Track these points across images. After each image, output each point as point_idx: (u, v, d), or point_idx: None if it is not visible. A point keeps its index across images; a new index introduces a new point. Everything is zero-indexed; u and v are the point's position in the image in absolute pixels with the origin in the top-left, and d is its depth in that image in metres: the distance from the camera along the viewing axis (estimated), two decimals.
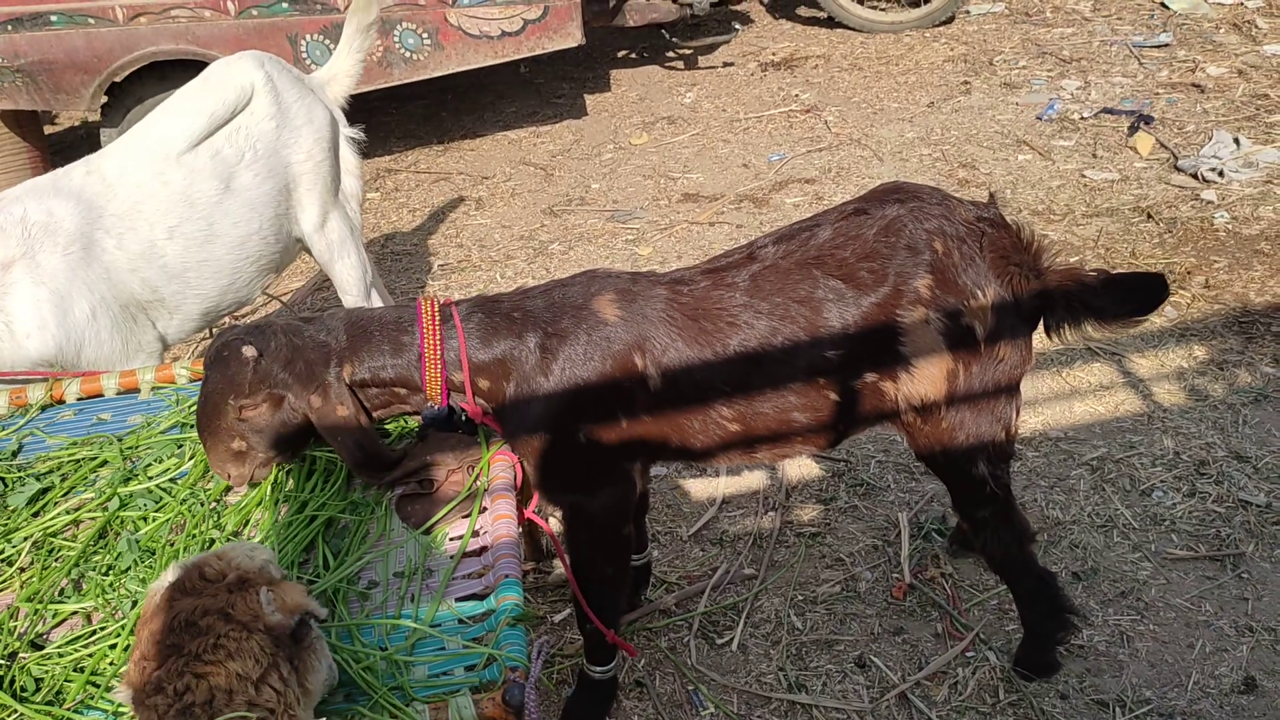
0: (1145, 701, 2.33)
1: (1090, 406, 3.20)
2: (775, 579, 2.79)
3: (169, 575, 1.56)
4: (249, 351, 1.96)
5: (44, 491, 2.17)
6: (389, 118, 6.15)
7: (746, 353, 2.02)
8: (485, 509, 2.02)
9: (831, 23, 6.68)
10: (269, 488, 2.08)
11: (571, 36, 5.00)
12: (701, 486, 3.14)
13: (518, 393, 2.01)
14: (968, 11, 6.62)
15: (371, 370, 1.98)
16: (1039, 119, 5.05)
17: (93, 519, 2.08)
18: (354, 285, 3.09)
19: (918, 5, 6.56)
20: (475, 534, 1.98)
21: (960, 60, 5.93)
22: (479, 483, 2.07)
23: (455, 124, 5.99)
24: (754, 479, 3.13)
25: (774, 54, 6.43)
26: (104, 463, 2.23)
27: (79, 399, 2.47)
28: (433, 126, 5.99)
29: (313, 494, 2.07)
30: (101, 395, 2.48)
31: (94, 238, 2.55)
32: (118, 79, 4.78)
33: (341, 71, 3.12)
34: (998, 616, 2.58)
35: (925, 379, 2.07)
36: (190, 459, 2.21)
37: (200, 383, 2.03)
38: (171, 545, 2.00)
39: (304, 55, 4.85)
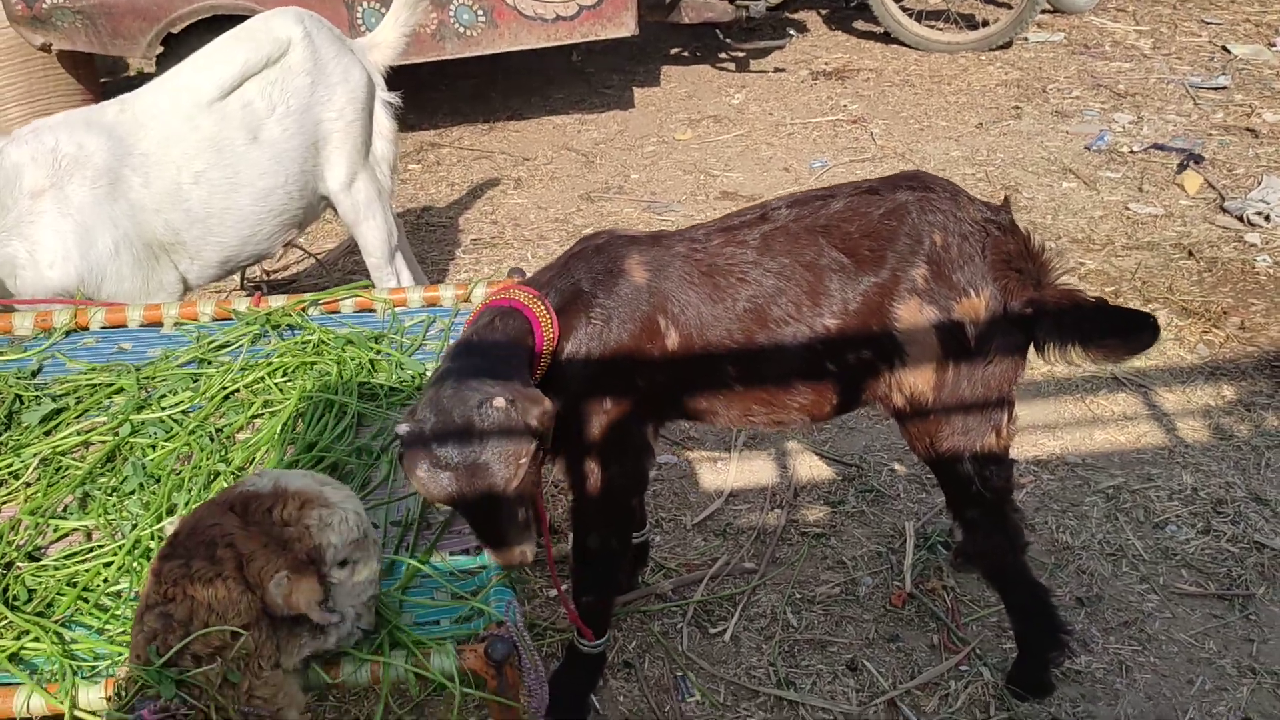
0: None
1: (1111, 435, 3.15)
2: (775, 575, 2.77)
3: (255, 483, 1.55)
4: (500, 401, 1.76)
5: (58, 412, 2.20)
6: (438, 93, 6.18)
7: (753, 309, 2.05)
8: None
9: (887, 38, 6.64)
10: (279, 428, 2.09)
11: (625, 26, 5.01)
12: (711, 477, 3.12)
13: (570, 356, 2.01)
14: (1026, 39, 6.56)
15: (529, 369, 1.93)
16: (1087, 149, 5.00)
17: (103, 442, 2.10)
18: (378, 248, 3.10)
19: (976, 28, 6.52)
20: None
21: (1014, 85, 5.88)
22: None
23: (502, 104, 6.01)
24: (763, 474, 3.11)
25: (826, 64, 6.40)
26: (120, 390, 2.25)
27: (103, 327, 2.50)
28: (480, 105, 6.01)
29: (321, 436, 2.08)
30: (125, 326, 2.50)
31: (121, 174, 2.57)
32: (175, 30, 4.82)
33: (385, 41, 3.14)
34: (996, 634, 2.54)
35: (916, 368, 2.07)
36: (204, 394, 2.22)
37: (458, 472, 1.73)
38: (176, 474, 2.01)
39: (359, 21, 4.88)
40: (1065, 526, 2.84)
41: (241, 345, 2.39)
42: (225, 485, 1.96)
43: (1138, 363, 3.44)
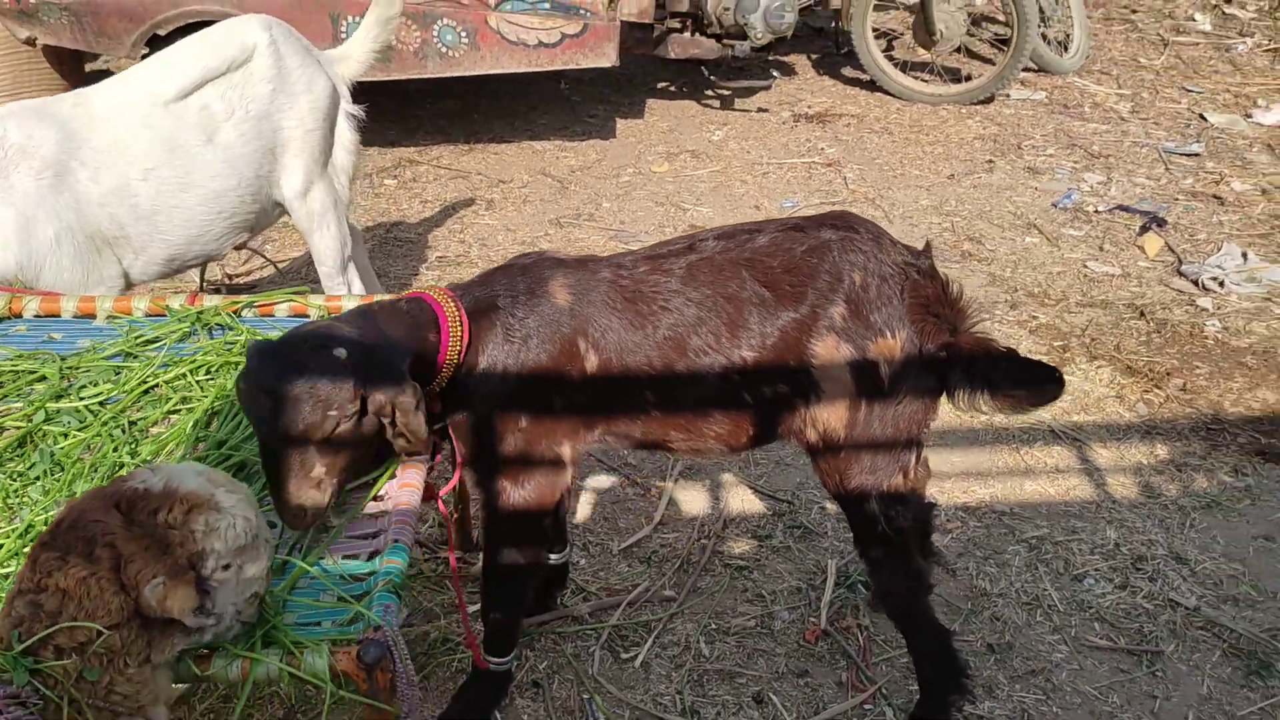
0: None
1: (1041, 486, 3.18)
2: (694, 604, 2.78)
3: (148, 479, 1.56)
4: (340, 352, 1.81)
5: None
6: (423, 110, 6.25)
7: (674, 337, 2.09)
8: (395, 476, 2.04)
9: (872, 86, 6.73)
10: (190, 425, 2.11)
11: (606, 57, 5.08)
12: (642, 504, 3.14)
13: (478, 373, 2.04)
14: (1008, 95, 6.65)
15: (414, 361, 1.95)
16: (1054, 205, 5.06)
17: (16, 428, 2.12)
18: (330, 257, 3.13)
19: (959, 81, 6.61)
20: (378, 498, 2.00)
21: (990, 139, 5.95)
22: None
23: (485, 126, 6.08)
24: (695, 504, 3.13)
25: (809, 107, 6.49)
26: (42, 378, 2.27)
27: (36, 315, 2.52)
28: (462, 125, 6.07)
29: (232, 435, 2.10)
30: (58, 316, 2.53)
31: (69, 167, 2.60)
32: (160, 32, 4.88)
33: (354, 55, 3.19)
34: (904, 674, 2.55)
35: (830, 405, 2.10)
36: (124, 387, 2.24)
37: (262, 402, 1.80)
38: (89, 461, 2.03)
39: (343, 34, 4.94)
40: (985, 573, 2.86)
41: (168, 342, 2.41)
42: None
43: (1075, 417, 3.47)
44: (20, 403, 2.18)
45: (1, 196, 2.51)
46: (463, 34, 4.97)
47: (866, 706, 2.49)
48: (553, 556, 2.66)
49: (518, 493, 2.15)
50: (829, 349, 2.07)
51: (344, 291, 3.22)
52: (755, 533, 3.02)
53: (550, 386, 2.09)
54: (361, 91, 4.81)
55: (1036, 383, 2.13)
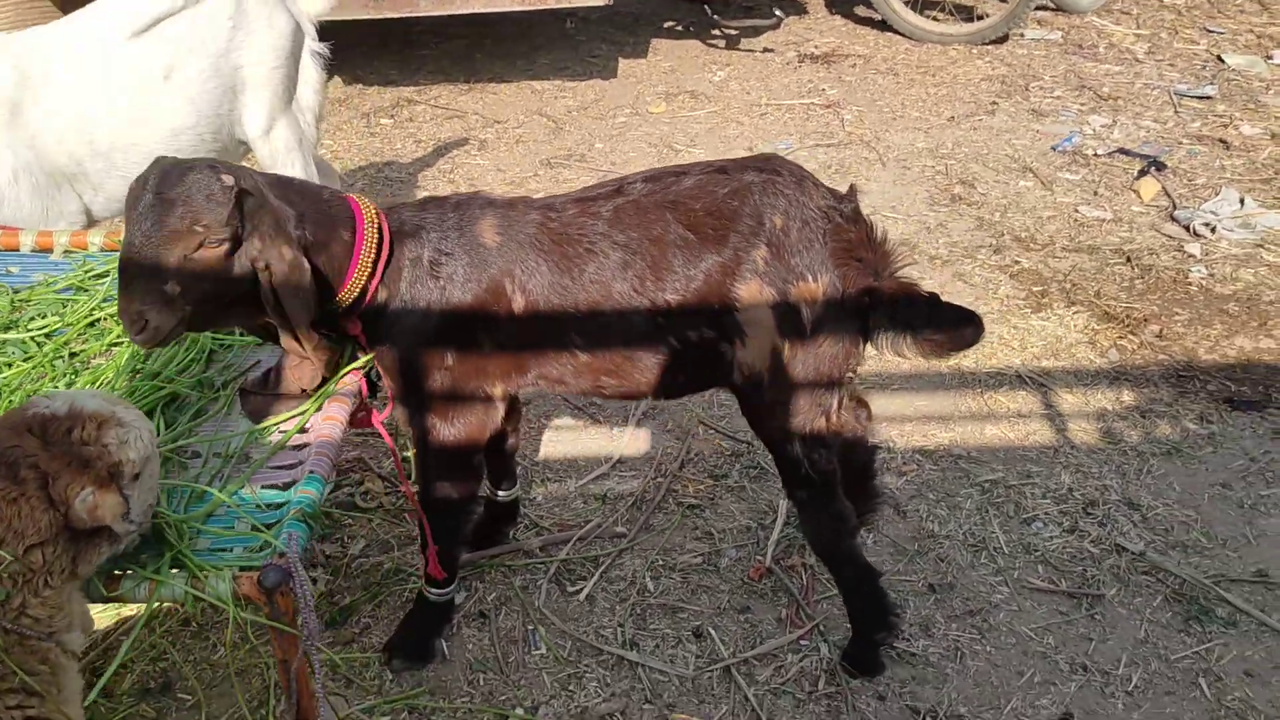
0: (958, 717, 2.33)
1: (1001, 431, 3.18)
2: (644, 542, 2.83)
3: (52, 404, 1.62)
4: (228, 179, 1.82)
5: None
6: (426, 50, 6.23)
7: (599, 281, 2.10)
8: (320, 410, 2.09)
9: (883, 25, 6.61)
10: (125, 357, 2.17)
11: None
12: (602, 443, 3.18)
13: (399, 305, 2.07)
14: (1022, 34, 6.51)
15: (315, 249, 1.95)
16: (1053, 149, 4.97)
17: None
18: None
19: (973, 20, 6.47)
20: (302, 431, 2.05)
21: (998, 80, 5.84)
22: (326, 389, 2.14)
23: (486, 66, 6.05)
24: (654, 444, 3.16)
25: (816, 47, 6.39)
26: None
27: None
28: (464, 65, 6.06)
29: (166, 368, 2.15)
30: (17, 250, 2.59)
31: (23, 104, 2.65)
32: None
33: None
34: (844, 614, 2.59)
35: (754, 349, 2.11)
36: (69, 320, 2.30)
37: (141, 198, 1.80)
38: (28, 390, 2.09)
39: None
40: (935, 516, 2.88)
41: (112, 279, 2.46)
42: None
43: (1044, 362, 3.45)
44: None
45: None
46: None
47: (803, 642, 2.53)
48: (501, 493, 2.72)
49: (447, 429, 2.19)
50: (752, 292, 2.07)
51: None
52: (712, 473, 3.06)
53: (476, 326, 2.11)
54: (363, 31, 4.85)
55: (956, 326, 2.13)
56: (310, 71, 3.14)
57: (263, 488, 1.91)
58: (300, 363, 2.10)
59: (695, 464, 3.10)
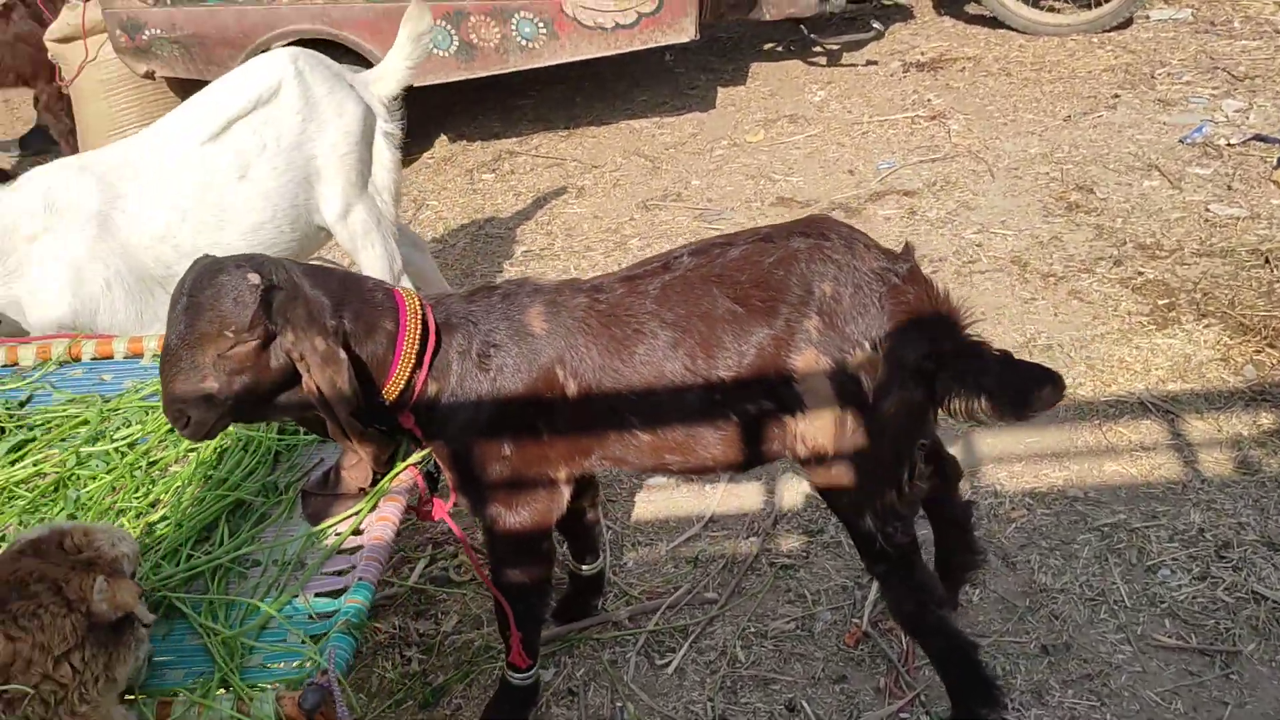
0: None
1: (1122, 467, 2.94)
2: (735, 607, 2.74)
3: (32, 533, 1.70)
4: (254, 279, 1.84)
5: (29, 442, 2.41)
6: (526, 100, 6.31)
7: (650, 361, 2.05)
8: (376, 508, 2.09)
9: (995, 22, 6.32)
10: (194, 467, 2.23)
11: (685, 31, 4.98)
12: (694, 503, 3.10)
13: (450, 399, 2.07)
14: (1147, 16, 6.10)
15: (356, 341, 1.96)
16: (1181, 142, 4.62)
17: (54, 473, 2.29)
18: (379, 273, 3.22)
19: (1091, 6, 6.11)
20: (357, 533, 2.06)
21: (1120, 70, 5.49)
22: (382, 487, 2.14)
23: (585, 110, 6.08)
24: (747, 501, 3.06)
25: (922, 53, 6.15)
26: (85, 421, 2.45)
27: (92, 359, 2.71)
28: (564, 111, 6.10)
29: (232, 473, 2.20)
30: (112, 357, 2.71)
31: (111, 216, 2.78)
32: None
33: (389, 73, 3.25)
34: None
35: (816, 422, 2.02)
36: (150, 430, 2.38)
37: (174, 318, 1.87)
38: (107, 503, 2.18)
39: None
40: (1048, 567, 2.68)
41: None
42: (135, 521, 2.11)
43: (1171, 385, 3.18)
44: (58, 449, 2.36)
45: (52, 251, 2.72)
46: (540, 25, 4.98)
47: (903, 715, 2.39)
48: (585, 568, 2.68)
49: (513, 517, 2.18)
50: (808, 363, 1.98)
51: None
52: (807, 528, 2.94)
53: (532, 414, 2.09)
54: (463, 87, 4.96)
55: (1033, 387, 1.99)
56: (383, 152, 3.20)
57: (316, 596, 1.92)
58: (357, 461, 2.11)
59: (789, 519, 2.98)
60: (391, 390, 2.05)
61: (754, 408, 2.05)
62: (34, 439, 2.41)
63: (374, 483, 2.12)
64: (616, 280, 2.13)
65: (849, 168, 4.93)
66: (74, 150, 5.68)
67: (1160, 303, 3.57)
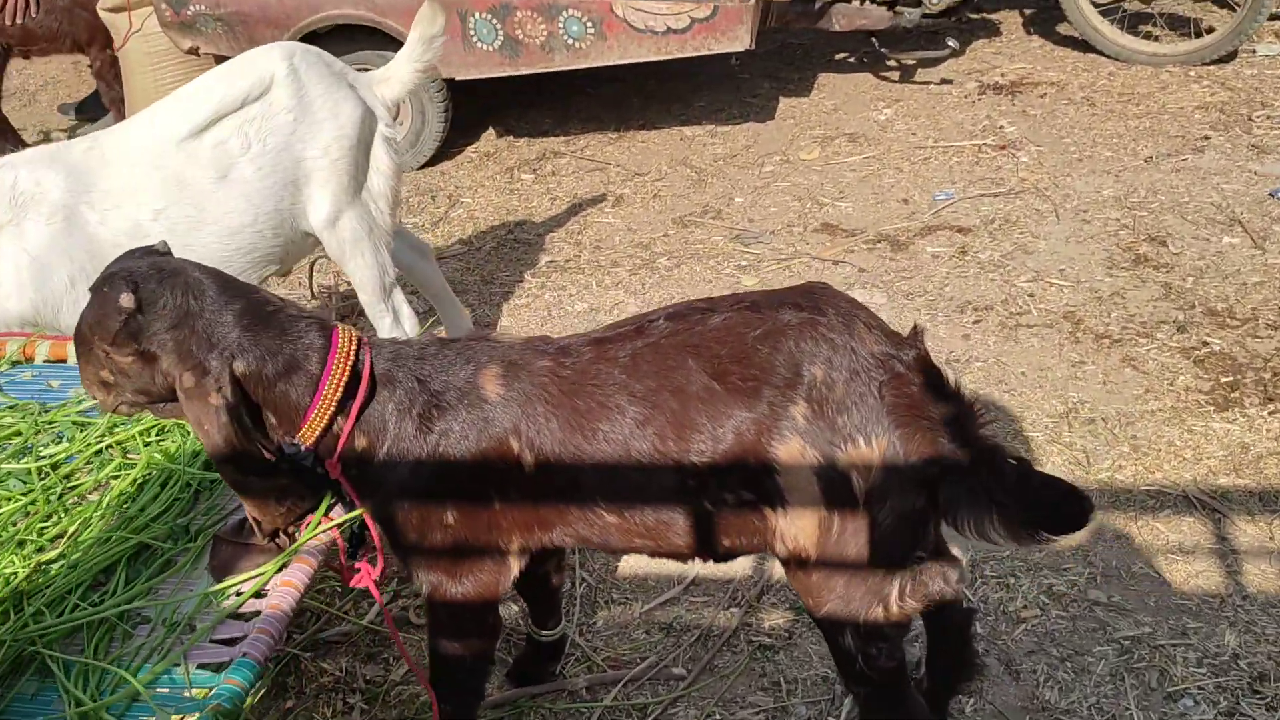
0: None
1: (1154, 570, 2.62)
2: (702, 687, 2.50)
3: None
4: (126, 301, 1.75)
5: None
6: (581, 96, 6.09)
7: (615, 439, 1.82)
8: (285, 568, 1.90)
9: (1086, 46, 5.91)
10: (109, 498, 2.06)
11: (739, 40, 4.71)
12: (677, 564, 2.85)
13: (387, 458, 1.87)
14: (1253, 50, 5.65)
15: (260, 380, 1.82)
16: (1272, 195, 4.22)
17: None
18: (368, 285, 3.04)
19: (1193, 37, 5.67)
20: (260, 595, 1.87)
21: (1215, 109, 5.07)
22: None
23: (640, 111, 5.84)
24: (735, 565, 2.80)
25: (1002, 74, 5.79)
26: (17, 432, 2.30)
27: (45, 361, 2.58)
28: (617, 112, 5.87)
29: (144, 510, 2.03)
30: (65, 360, 2.57)
31: (78, 210, 2.64)
32: (308, 33, 4.98)
33: (397, 77, 3.06)
34: None
35: (798, 521, 1.78)
36: (78, 449, 2.23)
37: (88, 303, 1.84)
38: (9, 532, 2.02)
39: (471, 33, 4.87)
40: (1057, 680, 2.39)
41: None
42: (31, 556, 1.95)
43: (1222, 479, 2.85)
44: None
45: (14, 243, 2.58)
46: (589, 24, 4.76)
47: None
48: (545, 633, 2.46)
49: (454, 587, 1.97)
50: (792, 454, 1.74)
51: (389, 319, 3.13)
52: (794, 603, 2.68)
53: (481, 483, 1.89)
54: (518, 78, 4.80)
55: (1058, 509, 1.72)
56: (382, 158, 3.01)
57: (198, 667, 1.74)
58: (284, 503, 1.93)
59: (776, 591, 2.73)
60: (307, 435, 1.86)
61: (731, 497, 1.81)
62: None
63: (291, 538, 1.93)
64: (585, 343, 1.90)
65: (904, 196, 4.62)
66: (123, 118, 5.64)
67: (1223, 380, 3.21)
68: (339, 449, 1.87)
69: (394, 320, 3.15)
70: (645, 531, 1.89)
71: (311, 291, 4.16)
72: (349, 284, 4.09)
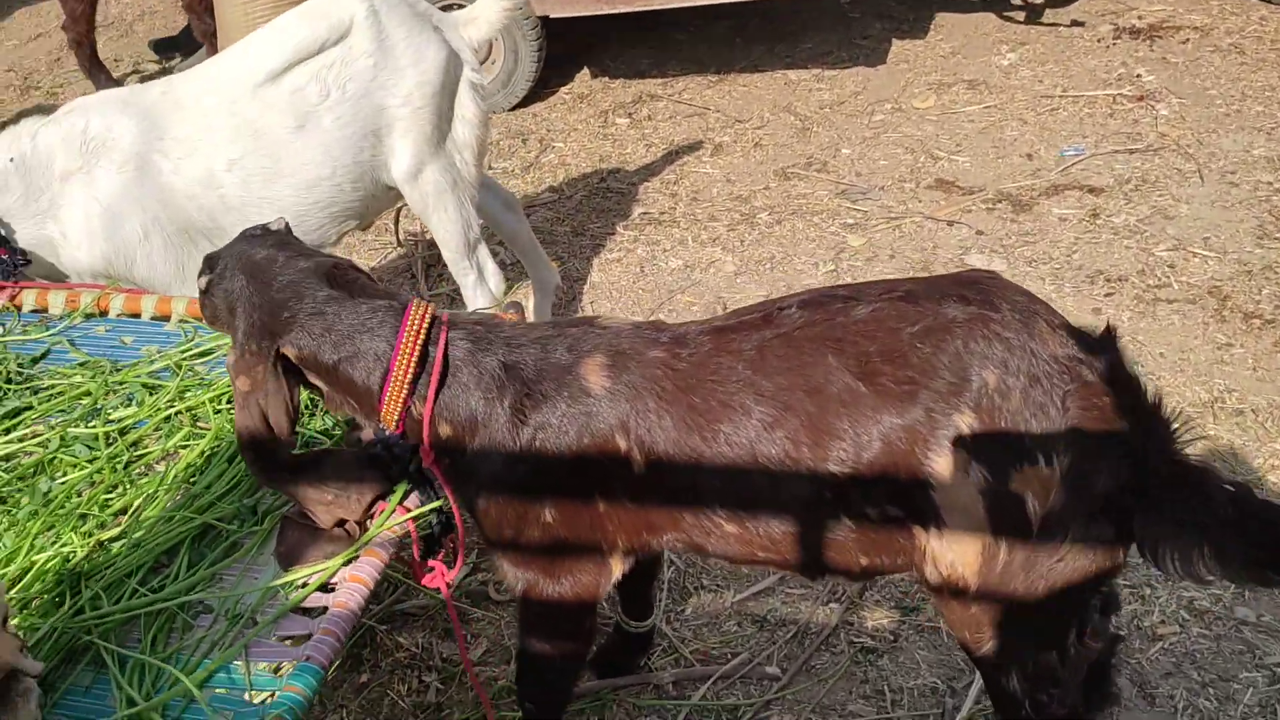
0: None
1: None
2: (798, 690, 2.31)
3: None
4: (200, 281, 1.79)
5: (26, 410, 2.17)
6: (683, 35, 5.80)
7: (739, 443, 1.62)
8: (356, 558, 1.75)
9: None
10: (179, 470, 1.94)
11: None
12: None
13: (481, 450, 1.71)
14: None
15: (322, 364, 1.71)
16: None
17: (38, 452, 2.05)
18: (451, 241, 2.87)
19: None
20: (326, 588, 1.72)
21: None
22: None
23: (743, 53, 5.53)
24: None
25: (1139, 16, 5.32)
26: (86, 393, 2.20)
27: (119, 316, 2.47)
28: (719, 53, 5.57)
29: (210, 488, 1.90)
30: (139, 315, 2.46)
31: (150, 159, 2.51)
32: None
33: (483, 17, 2.84)
34: None
35: (956, 545, 1.57)
36: (147, 412, 2.11)
37: None
38: (74, 503, 1.92)
39: None
40: (1197, 709, 2.14)
41: (219, 356, 2.26)
42: (93, 532, 1.84)
43: None
44: (53, 422, 2.11)
45: (85, 191, 2.47)
46: None
47: None
48: (635, 624, 2.30)
49: (551, 587, 1.82)
50: (951, 469, 1.52)
51: (473, 276, 2.96)
52: (900, 603, 2.47)
53: (583, 483, 1.72)
54: (618, 17, 4.58)
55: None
56: (467, 105, 2.81)
57: (259, 665, 1.61)
58: (330, 497, 1.78)
59: (881, 588, 2.52)
60: (390, 418, 1.71)
61: (874, 512, 1.60)
62: (31, 406, 2.17)
63: (362, 527, 1.79)
64: (704, 332, 1.70)
65: (1027, 151, 4.27)
66: (215, 52, 5.54)
67: None
68: (425, 436, 1.72)
69: (478, 278, 2.98)
70: (770, 544, 1.70)
71: (397, 239, 4.02)
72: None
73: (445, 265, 3.01)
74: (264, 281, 1.70)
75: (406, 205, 3.60)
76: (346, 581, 1.70)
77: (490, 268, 3.01)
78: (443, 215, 2.82)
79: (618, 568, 1.81)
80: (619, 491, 1.70)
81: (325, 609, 1.67)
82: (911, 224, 3.88)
